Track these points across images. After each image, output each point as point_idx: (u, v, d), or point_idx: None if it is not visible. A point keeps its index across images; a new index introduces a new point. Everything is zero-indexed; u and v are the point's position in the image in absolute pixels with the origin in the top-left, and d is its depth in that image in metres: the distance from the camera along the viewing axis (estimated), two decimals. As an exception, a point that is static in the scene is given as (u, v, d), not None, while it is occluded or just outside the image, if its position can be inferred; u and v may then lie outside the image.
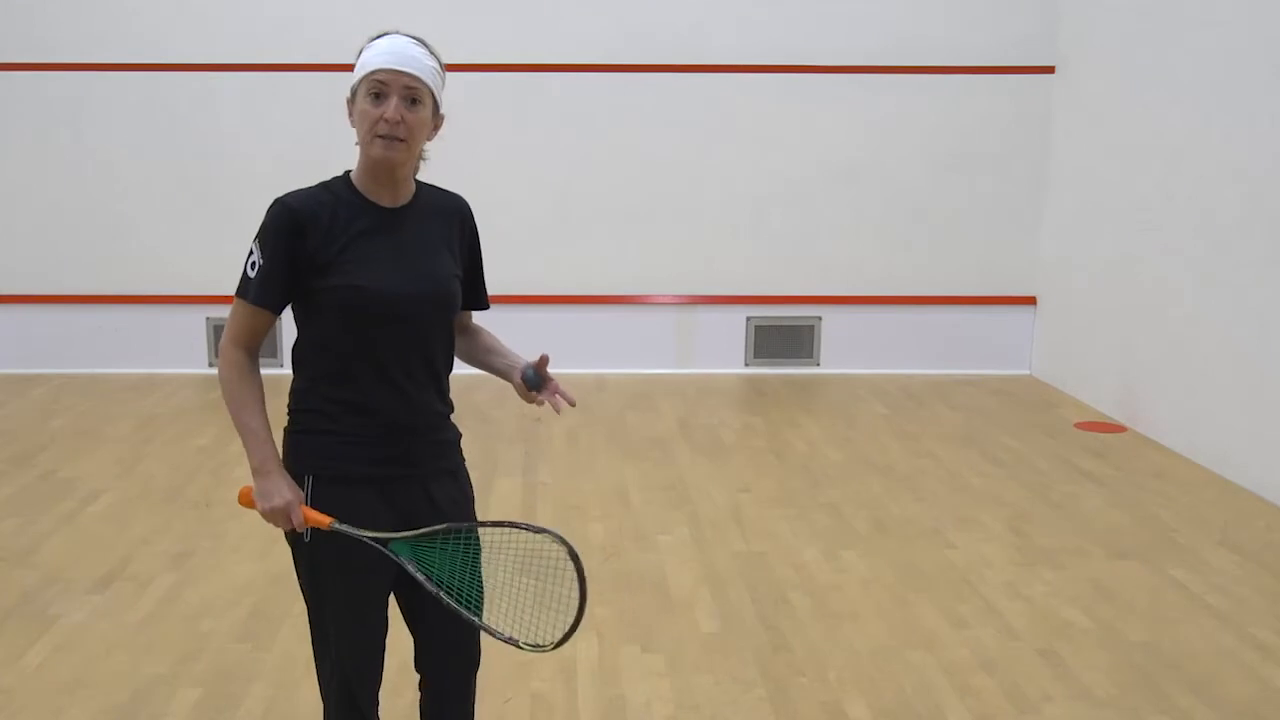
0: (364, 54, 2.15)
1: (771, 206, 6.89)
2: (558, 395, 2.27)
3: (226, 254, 6.82)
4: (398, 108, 2.10)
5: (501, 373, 2.36)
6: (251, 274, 2.14)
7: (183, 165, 6.75)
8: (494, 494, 4.77)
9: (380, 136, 2.10)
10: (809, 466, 5.24)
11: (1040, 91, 6.80)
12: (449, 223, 2.29)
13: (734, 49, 6.72)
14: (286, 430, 2.25)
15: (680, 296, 7.00)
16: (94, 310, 6.85)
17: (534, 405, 2.31)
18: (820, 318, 7.05)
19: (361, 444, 2.19)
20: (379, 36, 2.18)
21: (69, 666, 3.32)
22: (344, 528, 2.14)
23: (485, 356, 2.40)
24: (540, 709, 3.12)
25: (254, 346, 2.20)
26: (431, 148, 2.26)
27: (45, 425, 5.78)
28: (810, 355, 7.09)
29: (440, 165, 2.37)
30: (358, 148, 2.18)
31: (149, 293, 6.85)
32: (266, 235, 2.13)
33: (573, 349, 6.93)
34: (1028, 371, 7.08)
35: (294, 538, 2.21)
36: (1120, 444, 5.65)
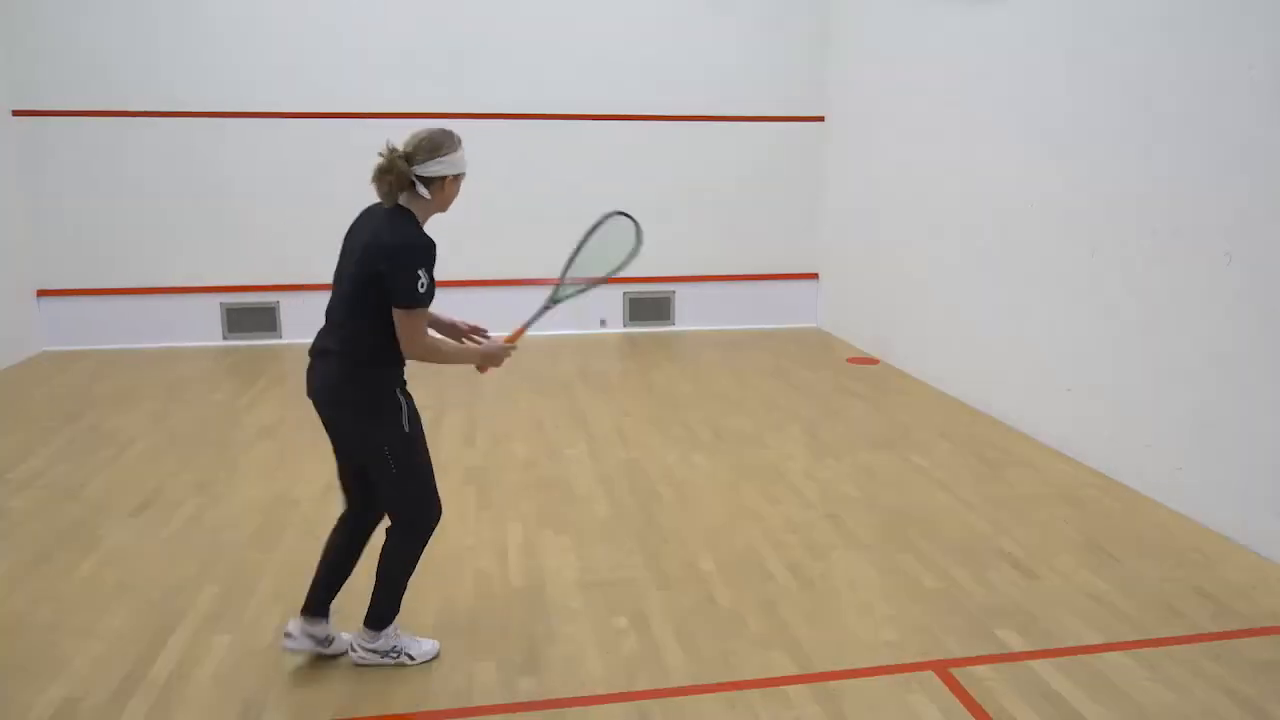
0: (460, 152, 2.30)
1: (640, 215, 6.72)
2: None
3: (231, 255, 6.35)
4: None
5: None
6: (422, 291, 2.22)
7: (200, 190, 6.14)
8: (444, 425, 4.56)
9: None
10: (669, 395, 5.19)
11: (815, 133, 6.83)
12: None
13: (605, 103, 6.52)
14: (368, 364, 2.27)
15: (580, 280, 6.79)
16: (129, 300, 6.22)
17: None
18: (674, 291, 6.98)
19: (401, 374, 2.37)
20: (459, 142, 2.31)
21: (113, 574, 3.01)
22: (527, 322, 2.64)
23: None
24: (482, 581, 2.98)
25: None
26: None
27: (90, 389, 5.24)
28: (668, 318, 7.02)
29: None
30: (425, 202, 2.28)
31: (173, 284, 6.26)
32: (430, 263, 2.22)
33: (502, 320, 6.66)
34: (815, 325, 7.20)
35: (394, 418, 2.30)
36: (876, 372, 5.79)
